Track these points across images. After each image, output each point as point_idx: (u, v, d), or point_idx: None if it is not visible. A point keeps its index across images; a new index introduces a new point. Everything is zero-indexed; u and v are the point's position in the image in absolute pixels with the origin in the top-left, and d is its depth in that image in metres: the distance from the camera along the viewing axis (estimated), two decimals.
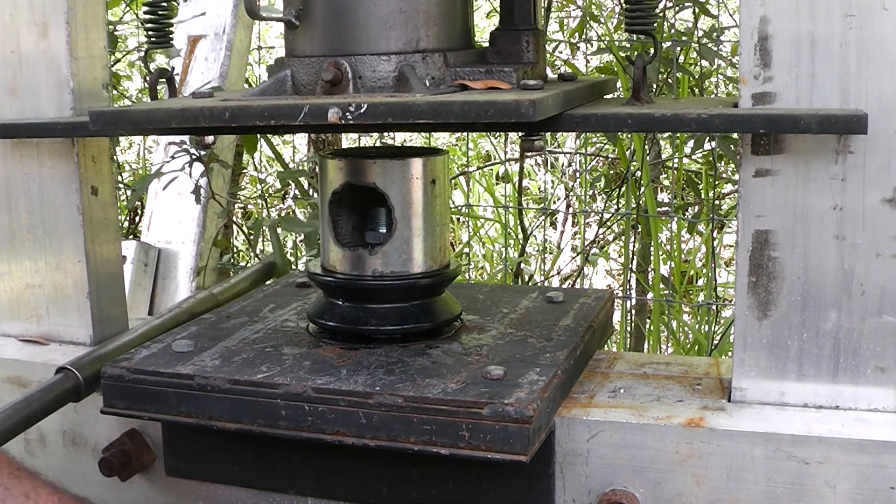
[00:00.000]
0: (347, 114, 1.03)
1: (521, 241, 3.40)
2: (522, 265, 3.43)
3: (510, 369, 1.12)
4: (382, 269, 1.22)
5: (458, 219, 4.41)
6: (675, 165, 3.31)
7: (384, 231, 1.25)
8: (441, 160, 1.24)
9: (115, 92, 3.07)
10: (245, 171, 3.93)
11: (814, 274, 1.09)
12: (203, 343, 1.26)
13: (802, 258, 1.09)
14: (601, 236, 3.86)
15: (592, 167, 3.87)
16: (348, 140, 3.27)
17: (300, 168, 3.28)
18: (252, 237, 2.82)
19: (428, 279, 1.24)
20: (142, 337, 1.32)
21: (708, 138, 2.67)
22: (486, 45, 1.26)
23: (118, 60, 3.25)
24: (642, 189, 2.86)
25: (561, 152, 4.21)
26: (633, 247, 3.23)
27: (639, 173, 2.89)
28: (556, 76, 1.31)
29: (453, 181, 4.61)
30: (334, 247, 1.25)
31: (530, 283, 3.43)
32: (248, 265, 3.00)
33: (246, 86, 2.81)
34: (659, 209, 3.21)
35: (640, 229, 3.18)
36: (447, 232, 1.28)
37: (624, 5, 1.17)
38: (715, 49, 2.65)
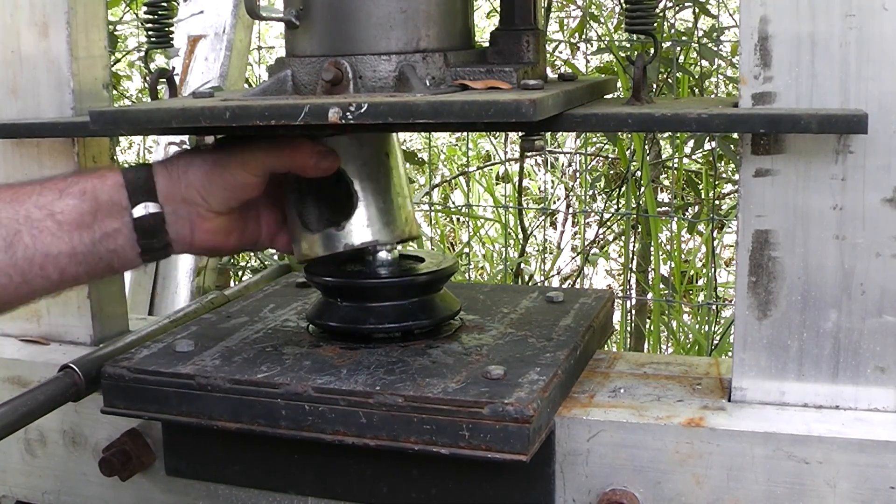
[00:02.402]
0: (348, 113, 1.03)
1: (521, 241, 3.40)
2: (522, 265, 3.43)
3: (510, 369, 1.12)
4: (354, 242, 1.22)
5: (458, 219, 4.41)
6: (675, 165, 3.31)
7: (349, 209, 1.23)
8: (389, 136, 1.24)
9: (115, 92, 3.07)
10: None
11: (814, 274, 1.09)
12: (203, 343, 1.26)
13: (802, 258, 1.09)
14: (601, 236, 3.86)
15: (592, 167, 3.87)
16: None
17: None
18: None
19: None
20: (146, 336, 1.32)
21: (708, 138, 2.67)
22: (486, 45, 1.26)
23: (118, 60, 3.24)
24: (642, 189, 2.86)
25: (561, 152, 4.21)
26: (633, 247, 3.23)
27: (639, 173, 2.89)
28: (556, 76, 1.31)
29: (453, 181, 4.62)
30: (305, 233, 1.24)
31: (530, 283, 3.43)
32: (247, 264, 3.00)
33: (246, 86, 2.81)
34: (659, 209, 3.21)
35: (640, 229, 3.17)
36: (409, 204, 1.28)
37: (624, 5, 1.17)
38: (715, 49, 2.65)
